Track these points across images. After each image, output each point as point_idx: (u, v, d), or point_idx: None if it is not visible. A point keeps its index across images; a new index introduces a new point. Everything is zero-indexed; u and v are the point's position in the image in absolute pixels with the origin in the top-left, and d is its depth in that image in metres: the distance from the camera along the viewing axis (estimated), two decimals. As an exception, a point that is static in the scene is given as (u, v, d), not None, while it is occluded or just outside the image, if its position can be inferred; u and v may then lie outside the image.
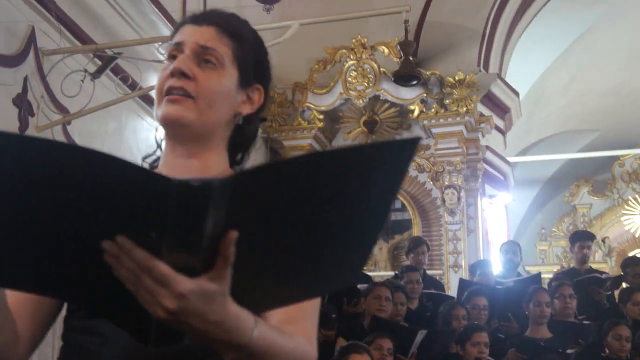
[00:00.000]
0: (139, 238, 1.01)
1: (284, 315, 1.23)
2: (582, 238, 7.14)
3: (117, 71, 5.91)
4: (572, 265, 8.65)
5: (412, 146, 1.04)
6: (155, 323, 1.06)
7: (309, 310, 1.33)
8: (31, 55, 5.23)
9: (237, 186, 1.00)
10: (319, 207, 1.05)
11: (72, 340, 1.34)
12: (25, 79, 5.17)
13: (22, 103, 5.13)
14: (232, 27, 1.49)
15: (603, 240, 13.89)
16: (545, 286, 6.60)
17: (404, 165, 1.07)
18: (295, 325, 1.26)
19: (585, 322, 5.96)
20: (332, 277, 1.17)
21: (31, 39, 5.23)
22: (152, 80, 6.36)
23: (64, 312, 1.41)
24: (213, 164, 1.46)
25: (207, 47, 1.44)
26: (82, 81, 5.53)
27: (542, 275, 8.38)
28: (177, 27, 1.52)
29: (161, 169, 1.48)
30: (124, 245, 1.00)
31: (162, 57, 5.64)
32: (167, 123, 1.41)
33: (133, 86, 6.06)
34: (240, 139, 1.52)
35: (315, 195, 1.04)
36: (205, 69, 1.43)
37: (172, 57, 1.45)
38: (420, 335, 5.06)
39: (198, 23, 1.48)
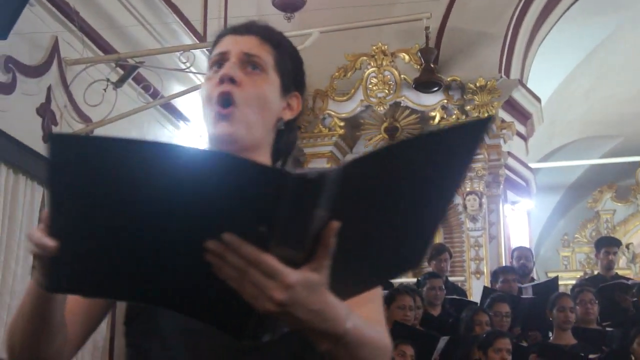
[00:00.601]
0: (247, 234, 1.02)
1: (356, 301, 1.22)
2: (607, 244, 7.09)
3: (139, 80, 5.95)
4: (596, 271, 8.58)
5: (484, 126, 1.09)
6: (255, 318, 1.08)
7: (378, 295, 1.37)
8: (54, 65, 5.28)
9: (346, 176, 1.02)
10: (405, 191, 1.09)
11: (139, 345, 1.38)
12: (49, 89, 5.22)
13: (45, 112, 5.18)
14: (272, 36, 1.52)
15: (627, 247, 13.76)
16: (568, 292, 6.56)
17: (475, 145, 1.11)
18: (366, 311, 1.27)
19: (609, 328, 5.92)
20: (404, 262, 1.21)
21: (55, 49, 5.28)
22: (173, 89, 6.41)
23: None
24: None
25: (251, 54, 1.47)
26: (105, 90, 5.58)
27: (566, 282, 8.33)
28: (216, 38, 1.55)
29: None
30: (232, 242, 1.02)
31: (183, 66, 5.69)
32: (220, 140, 1.44)
33: (155, 95, 6.10)
34: (281, 144, 1.55)
35: (404, 180, 1.08)
36: (250, 75, 1.46)
37: (216, 66, 1.49)
38: (442, 341, 5.05)
39: (240, 33, 1.51)
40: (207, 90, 1.46)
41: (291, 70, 1.53)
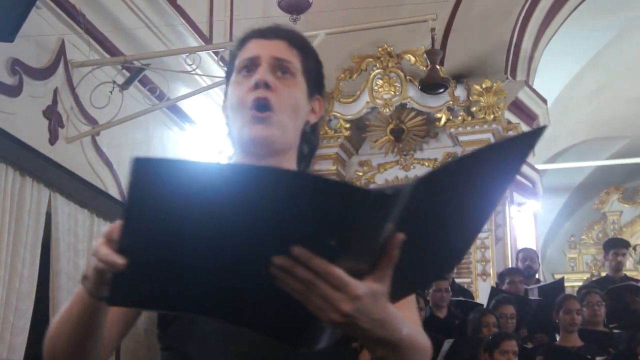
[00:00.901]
0: (316, 247, 1.04)
1: (398, 305, 1.25)
2: (616, 245, 7.07)
3: (145, 82, 5.96)
4: (603, 273, 8.56)
5: (537, 136, 1.12)
6: (314, 327, 1.11)
7: (413, 298, 1.42)
8: (61, 67, 5.29)
9: (416, 191, 1.05)
10: (461, 202, 1.13)
11: (178, 349, 1.40)
12: (55, 91, 5.23)
13: (52, 115, 5.19)
14: (299, 40, 1.55)
15: (634, 248, 13.72)
16: (574, 293, 6.55)
17: (525, 156, 1.15)
18: (407, 314, 1.30)
19: (616, 330, 5.90)
20: (443, 268, 1.28)
21: (61, 51, 5.30)
22: (179, 91, 6.41)
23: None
24: None
25: (282, 59, 1.49)
26: (111, 92, 5.59)
27: (573, 284, 8.31)
28: (241, 41, 1.56)
29: None
30: (302, 255, 1.04)
31: (189, 68, 5.69)
32: (256, 142, 1.47)
33: (161, 97, 6.10)
34: (306, 147, 1.58)
35: (462, 192, 1.12)
36: (282, 80, 1.48)
37: (245, 70, 1.50)
38: (447, 344, 5.04)
39: (267, 37, 1.53)
40: (238, 95, 1.48)
41: (315, 74, 1.57)
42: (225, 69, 1.63)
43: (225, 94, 1.57)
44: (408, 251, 1.10)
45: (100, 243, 1.13)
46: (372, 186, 8.66)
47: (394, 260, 1.07)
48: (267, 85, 1.45)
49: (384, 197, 1.02)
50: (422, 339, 1.27)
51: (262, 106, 1.45)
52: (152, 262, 1.07)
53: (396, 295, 1.17)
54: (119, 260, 1.07)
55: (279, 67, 1.49)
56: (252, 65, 1.49)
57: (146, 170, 1.01)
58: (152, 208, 1.03)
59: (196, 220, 1.03)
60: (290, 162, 1.53)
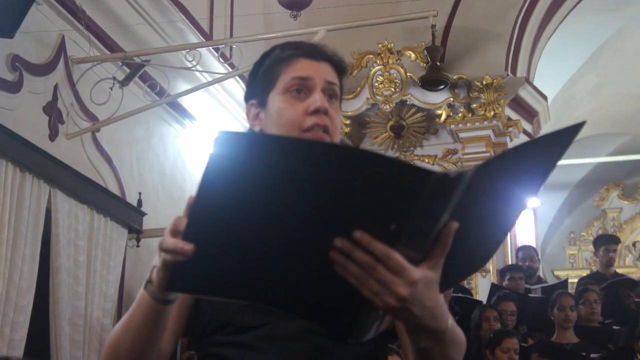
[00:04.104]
0: (377, 231, 1.06)
1: None
2: (607, 242, 7.10)
3: (145, 79, 5.96)
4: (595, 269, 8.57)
5: (576, 131, 1.13)
6: (363, 317, 1.13)
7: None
8: (61, 63, 5.29)
9: (476, 177, 1.07)
10: (505, 194, 1.15)
11: (224, 356, 1.42)
12: (56, 87, 5.23)
13: (52, 111, 5.19)
14: (339, 63, 1.58)
15: (634, 245, 13.74)
16: (574, 289, 6.55)
17: (563, 150, 1.17)
18: None
19: (615, 327, 5.91)
20: (478, 262, 1.28)
21: (61, 48, 5.30)
22: (180, 87, 6.41)
23: None
24: None
25: (332, 83, 1.54)
26: (111, 89, 5.59)
27: (573, 280, 8.30)
28: (284, 59, 1.55)
29: None
30: (362, 239, 1.06)
31: (189, 65, 5.69)
32: None
33: (161, 93, 6.10)
34: None
35: (507, 183, 1.13)
36: (331, 105, 1.53)
37: (295, 91, 1.51)
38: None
39: (314, 58, 1.55)
40: (291, 116, 1.49)
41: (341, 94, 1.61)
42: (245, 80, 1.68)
43: (253, 103, 1.57)
44: (455, 242, 1.12)
45: (164, 237, 1.16)
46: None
47: (447, 249, 1.09)
48: (326, 113, 1.49)
49: (448, 180, 1.03)
50: (461, 333, 1.29)
51: (322, 133, 1.49)
52: (215, 248, 1.10)
53: (440, 287, 1.19)
54: (187, 246, 1.10)
55: (329, 91, 1.52)
56: (303, 86, 1.51)
57: (229, 144, 1.03)
58: (227, 185, 1.05)
59: (265, 198, 1.05)
60: None
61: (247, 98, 1.60)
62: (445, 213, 1.07)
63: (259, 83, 1.57)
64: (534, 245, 8.67)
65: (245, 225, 1.07)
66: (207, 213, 1.08)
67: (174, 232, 1.14)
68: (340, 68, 1.57)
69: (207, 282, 1.15)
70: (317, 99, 1.49)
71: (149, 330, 1.32)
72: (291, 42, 1.59)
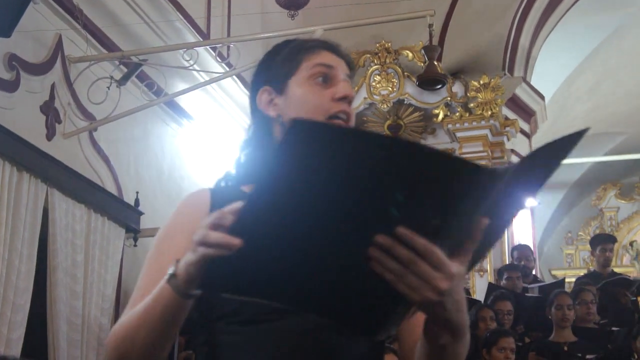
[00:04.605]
0: (418, 226, 1.06)
1: None
2: (603, 241, 7.11)
3: (143, 78, 5.96)
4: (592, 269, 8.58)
5: (579, 138, 1.15)
6: (393, 313, 1.15)
7: None
8: (58, 63, 5.29)
9: (512, 175, 1.09)
10: (512, 192, 1.15)
11: (232, 344, 1.42)
12: (53, 87, 5.23)
13: (49, 110, 5.19)
14: (351, 64, 1.65)
15: (631, 244, 13.76)
16: (571, 289, 6.56)
17: (563, 157, 1.19)
18: None
19: (613, 328, 5.91)
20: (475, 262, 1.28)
21: (58, 47, 5.29)
22: (177, 86, 6.41)
23: None
24: None
25: (349, 77, 1.59)
26: (108, 88, 5.59)
27: (570, 280, 8.31)
28: (306, 48, 1.60)
29: None
30: (405, 235, 1.07)
31: (187, 64, 5.69)
32: None
33: (158, 93, 6.10)
34: None
35: (517, 183, 1.13)
36: None
37: (321, 77, 1.55)
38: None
39: (336, 53, 1.61)
40: (317, 101, 1.53)
41: None
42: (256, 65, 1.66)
43: (267, 89, 1.58)
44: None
45: (206, 231, 1.16)
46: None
47: (476, 244, 1.11)
48: (350, 102, 1.56)
49: (494, 176, 1.04)
50: (468, 331, 1.31)
51: (344, 121, 1.53)
52: (256, 246, 1.10)
53: None
54: (235, 240, 1.10)
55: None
56: (328, 74, 1.55)
57: (303, 132, 1.02)
58: (289, 176, 1.04)
59: (320, 191, 1.05)
60: None
61: (258, 84, 1.61)
62: (483, 206, 1.08)
63: (275, 70, 1.59)
64: (531, 245, 8.68)
65: (294, 221, 1.07)
66: (261, 207, 1.07)
67: (216, 227, 1.14)
68: (351, 68, 1.62)
69: (238, 281, 1.15)
70: (345, 86, 1.54)
71: (167, 324, 1.32)
72: (312, 38, 1.65)
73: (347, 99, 1.54)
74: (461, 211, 1.06)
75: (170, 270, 1.27)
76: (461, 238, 1.11)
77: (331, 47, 1.60)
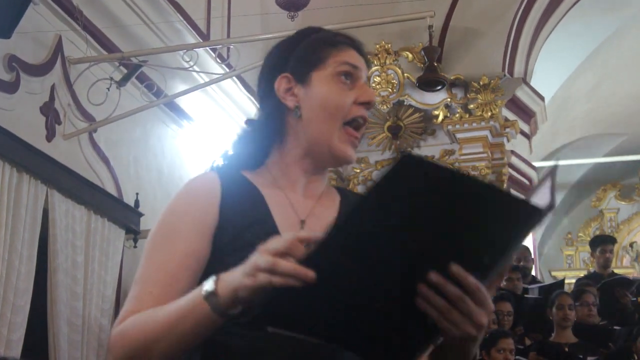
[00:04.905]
0: (471, 264, 1.09)
1: None
2: (603, 242, 7.11)
3: (143, 79, 5.96)
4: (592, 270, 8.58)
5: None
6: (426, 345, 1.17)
7: None
8: (58, 64, 5.29)
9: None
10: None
11: (230, 347, 1.38)
12: (53, 88, 5.23)
13: (49, 111, 5.19)
14: (369, 64, 1.64)
15: (631, 245, 13.75)
16: (571, 290, 6.56)
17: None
18: None
19: (616, 327, 5.92)
20: None
21: (58, 48, 5.29)
22: (177, 87, 6.41)
23: None
24: (323, 176, 1.61)
25: (367, 81, 1.60)
26: (108, 89, 5.59)
27: (570, 281, 8.31)
28: (338, 42, 1.56)
29: (275, 176, 1.55)
30: (459, 273, 1.09)
31: (186, 65, 5.68)
32: (344, 162, 1.54)
33: (158, 94, 6.10)
34: None
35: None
36: None
37: (346, 76, 1.53)
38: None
39: (361, 54, 1.58)
40: (340, 101, 1.50)
41: None
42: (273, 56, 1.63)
43: (287, 76, 1.54)
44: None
45: (273, 259, 1.13)
46: (369, 184, 8.66)
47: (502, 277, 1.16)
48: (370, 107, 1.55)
49: (540, 215, 1.06)
50: None
51: (361, 126, 1.53)
52: (323, 280, 1.07)
53: None
54: (310, 273, 1.08)
55: None
56: (353, 74, 1.53)
57: (410, 168, 1.02)
58: (379, 210, 1.04)
59: (401, 229, 1.05)
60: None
61: (277, 69, 1.56)
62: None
63: (299, 58, 1.54)
64: (531, 246, 8.68)
65: (367, 260, 1.07)
66: (344, 240, 1.06)
67: (285, 255, 1.12)
68: (368, 68, 1.64)
69: (287, 314, 1.13)
70: (370, 92, 1.53)
71: (196, 337, 1.29)
72: (338, 32, 1.62)
73: (369, 105, 1.52)
74: (511, 252, 1.10)
75: (209, 287, 1.23)
76: (496, 273, 1.14)
77: (357, 46, 1.57)
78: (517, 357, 5.12)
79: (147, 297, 1.38)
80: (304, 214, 1.51)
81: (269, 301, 1.12)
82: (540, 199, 1.11)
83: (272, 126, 1.56)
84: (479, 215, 1.04)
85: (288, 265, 1.10)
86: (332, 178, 8.47)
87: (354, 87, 1.52)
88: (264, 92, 1.58)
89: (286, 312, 1.13)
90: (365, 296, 1.10)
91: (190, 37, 6.47)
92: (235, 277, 1.20)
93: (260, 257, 1.15)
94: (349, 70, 1.52)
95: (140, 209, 5.95)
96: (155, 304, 1.36)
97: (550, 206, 1.08)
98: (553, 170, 1.16)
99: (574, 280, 7.87)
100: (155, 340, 1.30)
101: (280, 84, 1.54)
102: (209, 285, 1.23)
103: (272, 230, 1.44)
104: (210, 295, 1.23)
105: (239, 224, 1.44)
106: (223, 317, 1.23)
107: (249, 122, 1.66)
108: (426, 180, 1.02)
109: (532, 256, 7.28)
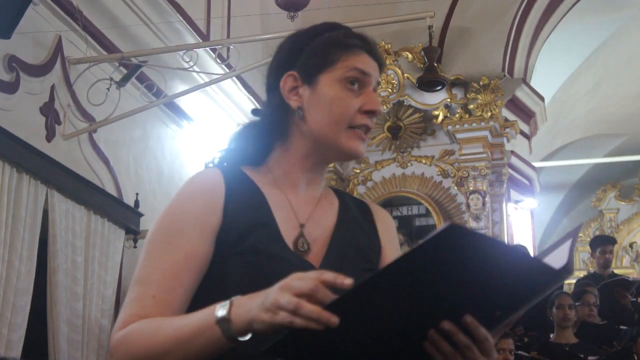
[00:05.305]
0: (482, 316, 1.12)
1: None
2: (603, 243, 7.10)
3: (143, 79, 5.96)
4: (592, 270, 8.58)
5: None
6: None
7: None
8: (58, 64, 5.29)
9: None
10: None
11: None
12: (52, 88, 5.23)
13: (49, 112, 5.18)
14: (382, 68, 1.60)
15: (631, 246, 13.75)
16: (571, 290, 6.56)
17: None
18: None
19: (621, 327, 5.92)
20: None
21: (58, 48, 5.29)
22: (177, 88, 6.41)
23: None
24: (321, 177, 1.60)
25: (378, 85, 1.57)
26: (108, 89, 5.59)
27: (570, 281, 8.30)
28: (347, 46, 1.53)
29: (276, 176, 1.54)
30: (471, 324, 1.12)
31: (186, 65, 5.68)
32: (353, 157, 1.53)
33: (158, 94, 6.10)
34: None
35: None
36: None
37: (354, 82, 1.50)
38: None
39: (373, 57, 1.55)
40: (344, 109, 1.48)
41: None
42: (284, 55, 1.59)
43: (293, 75, 1.52)
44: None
45: (300, 300, 1.11)
46: (369, 184, 8.67)
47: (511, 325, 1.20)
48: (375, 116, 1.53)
49: (562, 276, 1.10)
50: None
51: (365, 132, 1.52)
52: (344, 326, 1.07)
53: None
54: (334, 319, 1.07)
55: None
56: (361, 80, 1.51)
57: (453, 237, 1.03)
58: (411, 272, 1.05)
59: (426, 289, 1.06)
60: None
61: (284, 66, 1.54)
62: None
63: (308, 57, 1.52)
64: (532, 246, 8.69)
65: (392, 309, 1.08)
66: (372, 293, 1.06)
67: (305, 297, 1.10)
68: (382, 70, 1.59)
69: (302, 354, 1.14)
70: (376, 101, 1.51)
71: (204, 356, 1.27)
72: (354, 31, 1.58)
73: (374, 114, 1.50)
74: (523, 309, 1.14)
75: (222, 312, 1.22)
76: (505, 324, 1.18)
77: (372, 52, 1.55)
78: (517, 351, 5.12)
79: (150, 301, 1.37)
80: (303, 217, 1.50)
81: (285, 338, 1.11)
82: (557, 259, 1.13)
83: (276, 122, 1.54)
84: (504, 276, 1.07)
85: (313, 309, 1.08)
86: (332, 178, 8.48)
87: (361, 93, 1.50)
88: (271, 86, 1.56)
89: (299, 350, 1.13)
90: (381, 343, 1.12)
91: (190, 38, 6.46)
92: (252, 308, 1.18)
93: (282, 294, 1.12)
94: (357, 76, 1.50)
95: (140, 209, 5.95)
96: (158, 307, 1.35)
97: (567, 270, 1.11)
98: (575, 231, 1.20)
99: (574, 281, 7.86)
100: (162, 354, 1.29)
101: (286, 83, 1.52)
102: (222, 310, 1.22)
103: (274, 234, 1.43)
104: (223, 321, 1.21)
105: (242, 225, 1.42)
106: (233, 343, 1.22)
107: (255, 111, 1.62)
108: (466, 250, 1.04)
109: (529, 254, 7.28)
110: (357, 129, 1.48)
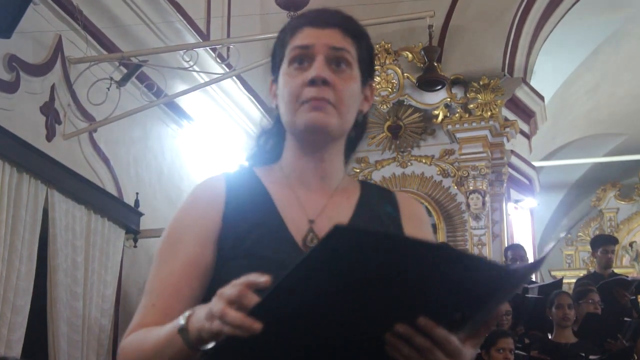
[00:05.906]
0: (440, 318, 1.10)
1: None
2: (605, 242, 7.10)
3: (143, 79, 5.96)
4: (592, 270, 8.58)
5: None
6: None
7: None
8: (58, 64, 5.29)
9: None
10: None
11: None
12: (53, 88, 5.23)
13: (49, 111, 5.19)
14: (353, 27, 1.50)
15: (631, 245, 13.75)
16: (571, 290, 6.57)
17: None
18: None
19: (626, 319, 5.93)
20: None
21: (58, 48, 5.29)
22: (177, 87, 6.41)
23: None
24: (336, 168, 1.53)
25: (338, 48, 1.44)
26: (108, 89, 5.59)
27: (570, 280, 8.32)
28: (291, 29, 1.49)
29: (286, 173, 1.52)
30: (426, 326, 1.10)
31: (186, 65, 5.69)
32: (312, 129, 1.43)
33: (158, 94, 6.10)
34: (354, 132, 1.56)
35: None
36: (339, 74, 1.44)
37: (297, 62, 1.45)
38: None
39: (320, 26, 1.47)
40: (291, 89, 1.43)
41: (368, 61, 1.53)
42: (270, 58, 1.57)
43: (272, 79, 1.53)
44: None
45: (226, 308, 1.11)
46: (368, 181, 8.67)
47: (490, 328, 1.19)
48: (325, 82, 1.41)
49: (519, 278, 1.11)
50: None
51: (322, 106, 1.42)
52: (272, 331, 1.07)
53: None
54: (256, 324, 1.07)
55: (335, 58, 1.44)
56: (304, 56, 1.44)
57: (343, 239, 1.01)
58: (319, 275, 1.03)
59: (345, 290, 1.05)
60: (340, 153, 1.53)
61: (271, 73, 1.56)
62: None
63: (274, 58, 1.53)
64: (531, 246, 8.70)
65: (318, 312, 1.07)
66: (285, 299, 1.06)
67: (233, 304, 1.10)
68: (354, 32, 1.49)
69: (248, 357, 1.15)
70: (317, 68, 1.41)
71: None
72: (304, 11, 1.53)
73: (317, 82, 1.40)
74: (485, 309, 1.11)
75: (181, 321, 1.23)
76: (478, 325, 1.15)
77: (314, 21, 1.48)
78: (517, 351, 5.13)
79: (150, 310, 1.40)
80: (314, 213, 1.46)
81: (222, 344, 1.13)
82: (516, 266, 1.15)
83: (275, 128, 1.56)
84: (432, 276, 1.04)
85: (236, 315, 1.08)
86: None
87: (308, 67, 1.44)
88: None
89: (243, 356, 1.14)
90: (327, 347, 1.11)
91: (190, 37, 6.47)
92: (200, 317, 1.19)
93: (216, 303, 1.13)
94: (298, 54, 1.45)
95: (140, 209, 5.96)
96: (158, 316, 1.37)
97: (523, 271, 1.12)
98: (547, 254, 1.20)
99: (573, 280, 7.87)
100: (145, 356, 1.32)
101: (270, 89, 1.55)
102: (182, 319, 1.23)
103: (277, 230, 1.42)
104: (182, 330, 1.23)
105: (241, 228, 1.42)
106: (195, 351, 1.22)
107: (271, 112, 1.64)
108: (365, 250, 1.02)
109: (529, 256, 7.27)
110: (306, 102, 1.42)
